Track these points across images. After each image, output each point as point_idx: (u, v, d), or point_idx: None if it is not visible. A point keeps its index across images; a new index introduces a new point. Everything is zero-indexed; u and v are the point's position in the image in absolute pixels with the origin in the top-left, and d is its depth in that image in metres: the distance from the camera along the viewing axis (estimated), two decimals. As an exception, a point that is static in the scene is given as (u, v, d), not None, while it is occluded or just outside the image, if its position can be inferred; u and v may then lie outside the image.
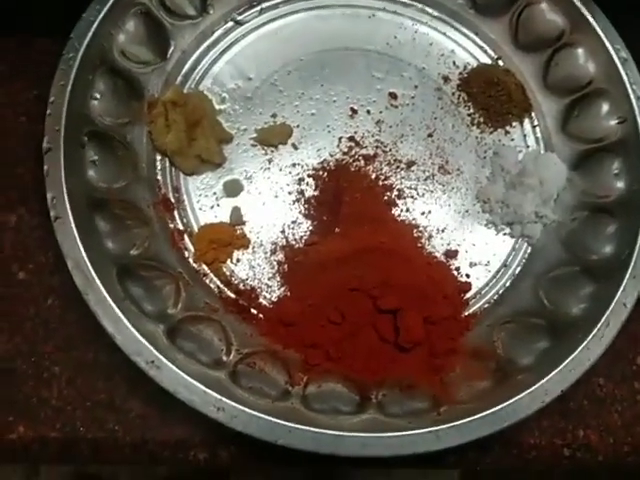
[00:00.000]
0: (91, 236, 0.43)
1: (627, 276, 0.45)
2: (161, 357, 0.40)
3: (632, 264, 0.45)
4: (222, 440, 0.44)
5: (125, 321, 0.40)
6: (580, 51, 0.53)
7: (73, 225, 0.42)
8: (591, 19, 0.51)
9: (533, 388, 0.42)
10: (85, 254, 0.41)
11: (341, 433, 0.39)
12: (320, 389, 0.43)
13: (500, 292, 0.49)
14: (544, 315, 0.47)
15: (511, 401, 0.41)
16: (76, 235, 0.42)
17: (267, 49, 0.54)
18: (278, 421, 0.39)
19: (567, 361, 0.42)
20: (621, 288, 0.45)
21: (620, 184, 0.50)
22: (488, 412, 0.41)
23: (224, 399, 0.39)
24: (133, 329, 0.40)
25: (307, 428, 0.39)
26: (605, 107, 0.51)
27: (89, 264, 0.41)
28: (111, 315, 0.40)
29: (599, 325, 0.44)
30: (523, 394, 0.41)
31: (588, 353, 0.43)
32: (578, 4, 0.52)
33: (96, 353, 0.45)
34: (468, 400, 0.43)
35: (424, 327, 0.45)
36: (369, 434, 0.39)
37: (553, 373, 0.42)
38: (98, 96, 0.47)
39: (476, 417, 0.40)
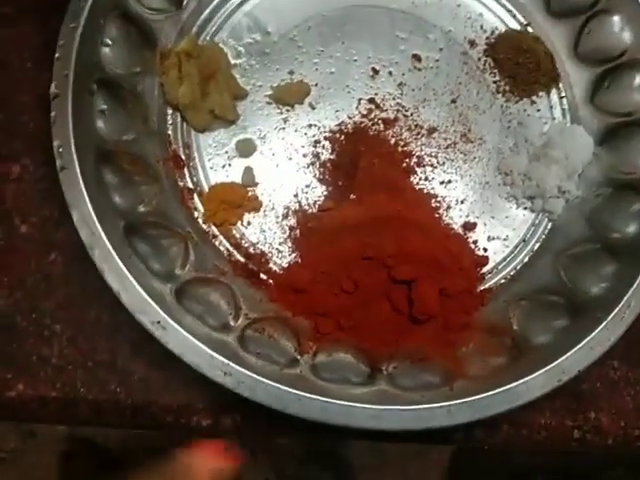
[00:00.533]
0: (98, 189, 0.41)
1: (652, 256, 0.43)
2: (167, 318, 0.38)
3: (658, 244, 0.44)
4: (226, 407, 0.43)
5: (131, 279, 0.39)
6: (616, 19, 0.50)
7: (80, 176, 0.40)
8: (631, -14, 0.49)
9: (549, 367, 0.40)
10: (91, 207, 0.40)
11: (352, 404, 0.38)
12: (330, 358, 0.42)
13: (517, 268, 0.48)
14: (563, 293, 0.45)
15: (526, 379, 0.40)
16: (82, 186, 0.40)
17: (288, 2, 0.51)
18: (287, 389, 0.38)
19: (586, 340, 0.41)
20: (645, 269, 0.43)
21: (648, 161, 0.48)
22: (502, 389, 0.39)
23: (231, 364, 0.38)
24: (139, 287, 0.39)
25: (316, 397, 0.38)
26: (638, 79, 0.49)
27: (95, 218, 0.39)
28: (117, 272, 0.39)
29: (620, 305, 0.42)
30: (539, 372, 0.40)
31: (608, 333, 0.41)
32: (616, -31, 0.49)
33: (99, 312, 0.44)
34: (481, 376, 0.41)
35: (439, 299, 0.44)
36: (381, 406, 0.38)
37: (571, 352, 0.41)
38: (109, 42, 0.45)
39: (489, 394, 0.39)
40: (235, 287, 0.44)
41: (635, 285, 0.43)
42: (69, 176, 0.40)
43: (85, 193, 0.40)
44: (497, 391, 0.39)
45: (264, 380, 0.38)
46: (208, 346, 0.38)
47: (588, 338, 0.41)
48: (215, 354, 0.38)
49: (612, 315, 0.42)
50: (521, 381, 0.40)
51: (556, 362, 0.40)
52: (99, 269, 0.39)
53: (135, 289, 0.39)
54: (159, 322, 0.38)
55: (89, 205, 0.40)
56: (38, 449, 0.97)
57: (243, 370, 0.38)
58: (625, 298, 0.42)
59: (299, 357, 0.41)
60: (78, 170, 0.40)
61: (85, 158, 0.41)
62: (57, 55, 0.42)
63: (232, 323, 0.42)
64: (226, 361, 0.38)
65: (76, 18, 0.43)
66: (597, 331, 0.41)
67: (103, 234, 0.39)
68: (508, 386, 0.39)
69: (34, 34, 0.49)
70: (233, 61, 0.49)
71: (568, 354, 0.41)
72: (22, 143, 0.47)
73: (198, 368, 0.38)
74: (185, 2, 0.49)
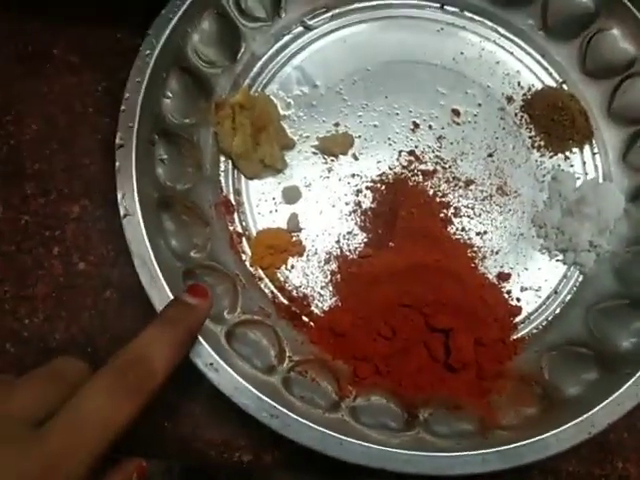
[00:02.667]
0: (158, 235, 0.44)
1: (681, 314, 0.45)
2: (220, 360, 0.41)
3: (686, 302, 0.46)
4: (267, 444, 0.45)
5: (187, 322, 0.41)
6: (649, 82, 0.52)
7: (142, 223, 0.43)
8: (664, 51, 0.51)
9: (579, 419, 0.42)
10: (152, 252, 0.42)
11: (390, 449, 0.40)
12: (369, 403, 0.44)
13: (549, 319, 0.49)
14: (593, 346, 0.47)
15: (557, 430, 0.41)
16: (144, 233, 0.42)
17: (335, 56, 0.54)
18: (330, 432, 0.40)
19: (615, 395, 0.43)
20: (674, 326, 0.45)
21: (678, 220, 0.49)
22: (534, 439, 0.41)
23: (278, 406, 0.40)
24: (194, 331, 0.41)
25: (357, 442, 0.40)
26: (670, 140, 0.51)
27: (155, 263, 0.42)
28: (173, 315, 0.41)
29: (649, 362, 0.44)
30: (569, 424, 0.42)
31: (636, 389, 0.43)
32: (652, 34, 0.52)
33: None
34: (514, 425, 0.43)
35: (474, 348, 0.46)
36: (418, 452, 0.40)
37: (600, 406, 0.42)
38: (170, 95, 0.47)
39: (521, 444, 0.41)
40: (279, 329, 0.46)
41: (664, 341, 0.44)
42: (132, 223, 0.43)
43: (146, 239, 0.42)
44: (529, 441, 0.41)
45: (308, 423, 0.40)
46: (256, 388, 0.40)
47: (617, 393, 0.43)
48: (263, 396, 0.40)
49: (641, 372, 0.43)
50: (552, 432, 0.41)
51: (586, 415, 0.42)
52: (157, 311, 0.41)
53: (190, 332, 0.41)
54: (212, 364, 0.41)
55: (150, 251, 0.42)
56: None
57: (289, 413, 0.40)
58: (654, 354, 0.44)
59: (339, 401, 0.43)
60: (140, 217, 0.43)
61: (147, 205, 0.43)
62: (123, 107, 0.45)
63: (277, 365, 0.44)
64: (273, 403, 0.40)
65: (141, 73, 0.46)
66: (626, 386, 0.43)
67: (162, 278, 0.42)
68: (539, 437, 0.41)
69: (95, 82, 0.53)
70: (282, 112, 0.52)
71: (597, 408, 0.42)
72: (82, 184, 0.50)
73: (247, 409, 0.40)
74: (239, 56, 0.52)
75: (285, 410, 0.40)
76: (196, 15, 0.49)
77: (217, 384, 0.40)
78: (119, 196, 0.43)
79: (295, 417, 0.40)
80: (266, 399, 0.40)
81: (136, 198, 0.43)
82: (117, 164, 0.44)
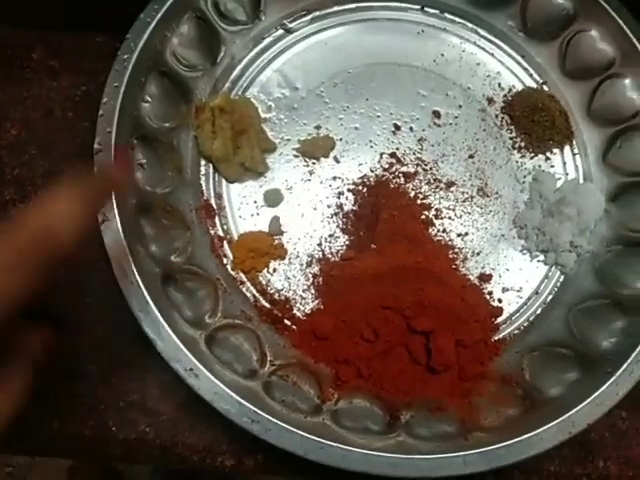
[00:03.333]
0: (137, 240, 0.43)
1: (661, 314, 0.45)
2: (200, 365, 0.41)
3: (666, 301, 0.46)
4: (249, 448, 0.45)
5: (167, 327, 0.41)
6: (628, 82, 0.53)
7: (120, 228, 0.43)
8: (643, 52, 0.51)
9: (560, 419, 0.42)
10: (131, 258, 0.42)
11: (371, 452, 0.40)
12: (351, 406, 0.44)
13: (530, 319, 0.50)
14: (573, 346, 0.47)
15: (538, 431, 0.42)
16: (123, 239, 0.42)
17: (315, 59, 0.54)
18: (310, 437, 0.40)
19: (595, 395, 0.43)
20: (654, 325, 0.45)
21: (658, 219, 0.50)
22: (515, 440, 0.41)
23: (259, 411, 0.40)
24: (174, 336, 0.41)
25: (338, 445, 0.40)
26: (650, 141, 0.51)
27: (134, 269, 0.42)
28: (153, 320, 0.41)
29: (629, 360, 0.44)
30: (550, 425, 0.42)
31: (616, 388, 0.43)
32: (630, 35, 0.52)
33: (131, 355, 0.46)
34: (495, 426, 0.43)
35: (455, 350, 0.46)
36: (400, 455, 0.40)
37: (580, 406, 0.43)
38: (149, 99, 0.47)
39: (503, 445, 0.41)
40: (260, 333, 0.46)
41: (644, 340, 0.45)
42: (110, 228, 0.42)
43: (125, 245, 0.42)
44: (510, 442, 0.41)
45: (289, 428, 0.40)
46: (237, 393, 0.41)
47: (597, 392, 0.43)
48: (243, 401, 0.40)
49: (621, 370, 0.44)
50: (533, 433, 0.42)
51: (566, 415, 0.42)
52: (136, 317, 0.41)
53: (170, 338, 0.41)
54: (192, 369, 0.41)
55: (129, 256, 0.42)
56: (44, 464, 0.99)
57: (269, 417, 0.40)
58: (634, 354, 0.44)
59: (321, 404, 0.43)
60: (119, 222, 0.43)
61: (125, 210, 0.43)
62: (101, 112, 0.45)
63: (258, 369, 0.44)
64: (253, 408, 0.40)
65: (120, 77, 0.45)
66: (606, 385, 0.43)
67: (141, 284, 0.42)
68: (521, 437, 0.41)
69: (75, 86, 0.52)
70: (263, 115, 0.52)
71: (578, 408, 0.43)
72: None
73: (227, 414, 0.40)
74: (219, 59, 0.52)
75: (265, 415, 0.40)
76: (175, 19, 0.49)
77: (197, 389, 0.40)
78: (97, 201, 0.43)
79: (276, 421, 0.40)
80: (246, 404, 0.40)
81: (114, 203, 0.43)
82: (95, 169, 0.44)
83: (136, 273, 0.42)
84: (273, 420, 0.40)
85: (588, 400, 0.43)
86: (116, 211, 0.43)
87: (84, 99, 0.52)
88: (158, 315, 0.41)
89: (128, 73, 0.46)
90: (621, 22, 0.52)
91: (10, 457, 1.00)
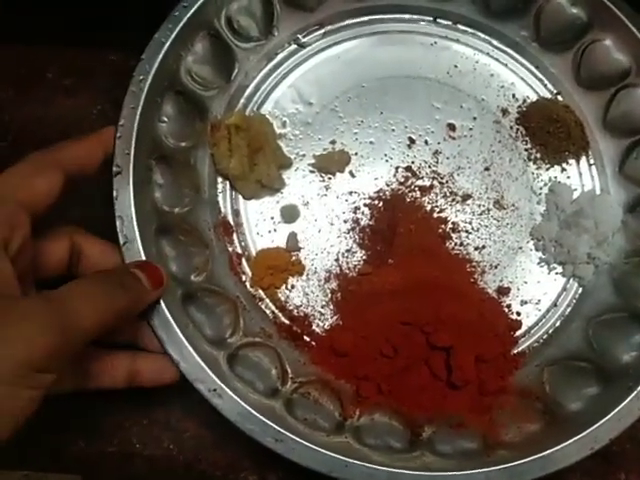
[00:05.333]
0: (158, 261, 0.44)
1: (680, 326, 0.45)
2: (223, 385, 0.41)
3: (685, 313, 0.46)
4: (272, 464, 0.46)
5: (189, 348, 0.41)
6: (644, 93, 0.52)
7: (142, 250, 0.43)
8: (658, 62, 0.51)
9: (582, 435, 0.42)
10: (152, 280, 0.42)
11: (395, 470, 0.40)
12: (372, 422, 0.44)
13: (549, 332, 0.50)
14: (593, 360, 0.47)
15: (560, 446, 0.42)
16: (144, 260, 0.43)
17: (329, 73, 0.54)
18: (334, 455, 0.40)
19: (616, 410, 0.43)
20: (674, 338, 0.45)
21: (676, 230, 0.50)
22: (537, 456, 0.41)
23: (283, 431, 0.40)
24: (197, 356, 0.41)
25: (362, 463, 0.40)
26: (667, 151, 0.51)
27: (157, 291, 0.42)
28: (176, 341, 0.41)
29: (650, 374, 0.44)
30: (572, 440, 0.42)
31: (638, 403, 0.43)
32: (645, 44, 0.52)
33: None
34: (517, 442, 0.43)
35: (475, 365, 0.46)
36: (424, 472, 0.40)
37: (602, 421, 0.43)
38: (166, 119, 0.48)
39: (525, 461, 0.41)
40: (280, 350, 0.46)
41: (665, 353, 0.45)
42: (131, 250, 0.43)
43: (146, 267, 0.42)
44: (532, 458, 0.41)
45: (312, 447, 0.40)
46: (260, 413, 0.41)
47: (618, 408, 0.43)
48: (267, 421, 0.40)
49: (642, 384, 0.44)
50: (555, 449, 0.42)
51: (588, 431, 0.42)
52: (159, 338, 0.41)
53: (193, 358, 0.41)
54: (215, 390, 0.41)
55: (150, 278, 0.42)
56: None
57: (293, 437, 0.40)
58: (655, 367, 0.44)
59: (343, 421, 0.44)
60: (140, 244, 0.43)
61: (145, 231, 0.44)
62: (118, 134, 0.45)
63: (280, 387, 0.44)
64: (278, 428, 0.40)
65: (136, 99, 0.45)
66: (627, 401, 0.43)
67: (163, 305, 0.42)
68: (543, 453, 0.41)
69: (91, 105, 0.53)
70: (278, 131, 0.52)
71: (599, 423, 0.42)
72: (79, 211, 0.50)
73: (252, 434, 0.40)
74: (233, 76, 0.52)
75: (289, 434, 0.40)
76: (189, 38, 0.49)
77: (221, 410, 0.41)
78: (118, 223, 0.43)
79: (299, 440, 0.40)
80: (270, 424, 0.41)
81: (135, 225, 0.43)
82: (115, 191, 0.44)
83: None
84: (297, 439, 0.40)
85: (610, 415, 0.43)
86: (137, 232, 0.43)
87: (100, 118, 0.52)
88: (181, 335, 0.42)
89: (144, 94, 0.46)
90: (636, 31, 0.52)
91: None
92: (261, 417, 0.41)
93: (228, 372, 0.42)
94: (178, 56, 0.48)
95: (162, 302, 0.42)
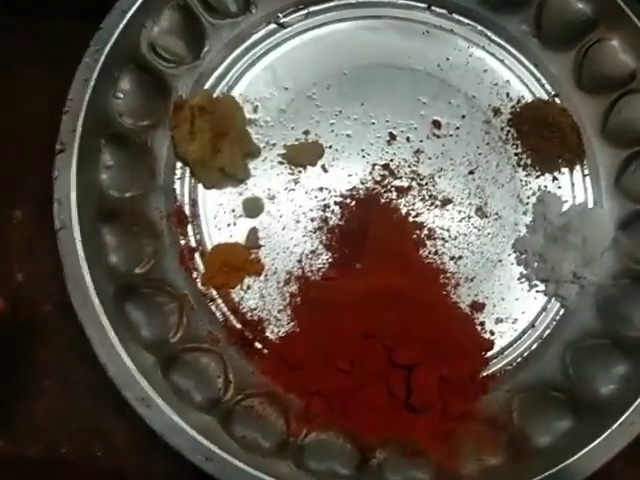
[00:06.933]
0: (96, 252, 0.40)
1: (667, 361, 0.41)
2: (152, 395, 0.38)
3: (673, 347, 0.42)
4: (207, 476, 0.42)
5: (120, 351, 0.38)
6: (648, 100, 0.48)
7: (78, 238, 0.39)
8: (668, 66, 0.47)
9: (547, 474, 0.38)
10: (87, 273, 0.39)
11: (335, 499, 0.37)
12: (319, 443, 0.41)
13: (524, 355, 0.46)
14: (568, 390, 0.43)
15: (520, 486, 0.38)
16: (80, 250, 0.39)
17: (308, 58, 0.50)
18: (269, 479, 0.37)
19: (588, 448, 0.39)
20: (658, 374, 0.41)
21: (672, 254, 0.45)
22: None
23: (214, 448, 0.37)
24: (128, 361, 0.38)
25: (300, 490, 0.37)
26: (667, 167, 0.47)
27: (89, 282, 0.39)
28: (106, 343, 0.38)
29: (628, 413, 0.40)
30: (535, 480, 0.38)
31: (613, 442, 0.40)
32: (654, 47, 0.47)
33: (88, 371, 0.43)
34: (474, 477, 0.40)
35: (438, 386, 0.42)
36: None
37: (571, 460, 0.39)
38: (121, 95, 0.44)
39: (481, 499, 0.38)
40: (227, 357, 0.42)
41: (646, 391, 0.41)
42: (67, 238, 0.39)
43: (82, 257, 0.39)
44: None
45: (246, 469, 0.37)
46: (192, 427, 0.37)
47: (590, 446, 0.39)
48: (198, 436, 0.37)
49: (618, 423, 0.40)
50: (515, 489, 0.38)
51: (553, 470, 0.39)
52: (88, 338, 0.38)
53: (123, 363, 0.38)
54: (143, 399, 0.37)
55: (85, 270, 0.39)
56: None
57: (226, 456, 0.37)
58: (635, 404, 0.40)
59: (287, 440, 0.40)
60: (76, 231, 0.39)
61: (85, 217, 0.40)
62: (66, 109, 0.41)
63: (220, 398, 0.40)
64: (209, 445, 0.37)
65: (89, 71, 0.42)
66: (600, 439, 0.39)
67: (96, 301, 0.38)
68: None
69: (50, 78, 0.48)
70: (248, 116, 0.48)
71: (567, 462, 0.39)
72: (26, 189, 0.46)
73: (180, 450, 0.37)
74: (202, 54, 0.48)
75: (221, 453, 0.37)
76: (155, 8, 0.45)
77: (148, 421, 0.37)
78: (55, 207, 0.40)
79: (232, 461, 0.37)
80: (201, 439, 0.37)
81: (73, 209, 0.40)
82: (55, 172, 0.40)
83: (91, 288, 0.39)
84: (229, 459, 0.37)
85: (579, 455, 0.39)
86: (75, 218, 0.39)
87: (59, 93, 0.48)
88: (112, 336, 0.38)
89: (99, 67, 0.42)
90: (646, 32, 0.47)
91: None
92: (192, 432, 0.37)
93: (162, 379, 0.39)
94: (141, 28, 0.44)
95: (95, 298, 0.38)
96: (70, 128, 0.41)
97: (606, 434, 0.40)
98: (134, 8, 0.44)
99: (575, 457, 0.39)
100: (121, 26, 0.43)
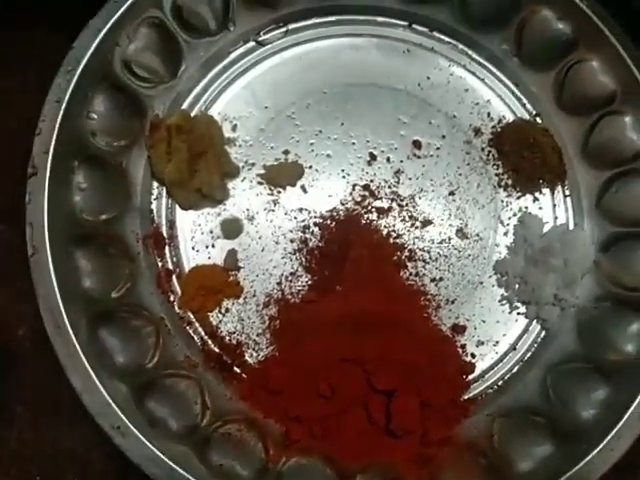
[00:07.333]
0: (70, 276, 0.39)
1: (646, 385, 0.41)
2: (128, 423, 0.37)
3: (654, 371, 0.42)
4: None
5: (95, 379, 0.37)
6: (629, 120, 0.48)
7: (51, 263, 0.38)
8: (647, 89, 0.47)
9: (526, 501, 0.38)
10: (60, 297, 0.38)
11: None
12: (299, 470, 0.40)
13: (505, 378, 0.45)
14: (548, 414, 0.43)
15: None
16: (53, 276, 0.38)
17: (288, 76, 0.49)
18: (246, 511, 0.36)
19: (568, 474, 0.39)
20: (638, 398, 0.41)
21: (652, 277, 0.45)
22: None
23: (192, 479, 0.36)
24: (102, 389, 0.37)
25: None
26: (648, 188, 0.47)
27: (63, 312, 0.38)
28: (80, 370, 0.37)
29: (608, 438, 0.40)
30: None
31: (593, 468, 0.39)
32: (633, 68, 0.47)
33: (63, 395, 0.42)
34: (455, 505, 0.39)
35: (419, 411, 0.42)
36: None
37: (551, 487, 0.39)
38: (95, 116, 0.43)
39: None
40: (204, 383, 0.42)
41: (627, 415, 0.41)
42: (39, 263, 0.38)
43: (55, 283, 0.38)
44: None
45: (224, 499, 0.36)
46: (168, 456, 0.37)
47: (571, 472, 0.39)
48: (175, 466, 0.36)
49: (598, 449, 0.40)
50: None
51: (534, 497, 0.38)
52: (62, 365, 0.37)
53: (98, 391, 0.37)
54: (119, 427, 0.36)
55: (58, 296, 0.38)
56: None
57: (202, 486, 0.36)
58: (615, 429, 0.40)
59: (265, 467, 0.39)
60: (49, 257, 0.38)
61: (58, 242, 0.39)
62: (38, 131, 0.40)
63: (197, 425, 0.40)
64: (186, 475, 0.36)
65: (62, 92, 0.41)
66: (580, 465, 0.39)
67: (69, 327, 0.37)
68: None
69: (26, 90, 0.48)
70: (227, 135, 0.47)
71: (548, 489, 0.38)
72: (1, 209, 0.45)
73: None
74: (180, 72, 0.47)
75: (198, 483, 0.36)
76: (130, 27, 0.44)
77: (124, 450, 0.36)
78: (27, 232, 0.39)
79: (209, 492, 0.36)
80: (179, 469, 0.36)
81: (46, 234, 0.39)
82: (27, 195, 0.39)
83: (64, 314, 0.38)
84: (206, 490, 0.36)
85: (560, 480, 0.39)
86: (47, 243, 0.38)
87: (34, 106, 0.47)
88: (86, 364, 0.37)
89: (72, 87, 0.41)
90: (624, 53, 0.47)
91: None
92: (168, 461, 0.36)
93: (137, 407, 0.38)
94: (114, 47, 0.43)
95: (69, 325, 0.37)
96: (42, 150, 0.40)
97: (587, 459, 0.39)
98: (108, 27, 0.43)
99: (555, 484, 0.39)
100: (94, 45, 0.42)
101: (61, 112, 0.40)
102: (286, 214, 0.47)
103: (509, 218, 0.48)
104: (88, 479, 0.41)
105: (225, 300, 0.45)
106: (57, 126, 0.40)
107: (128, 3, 0.43)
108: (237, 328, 0.44)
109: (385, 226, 0.47)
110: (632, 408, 0.41)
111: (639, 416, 0.41)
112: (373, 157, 0.48)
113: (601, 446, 0.40)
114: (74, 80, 0.41)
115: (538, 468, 0.40)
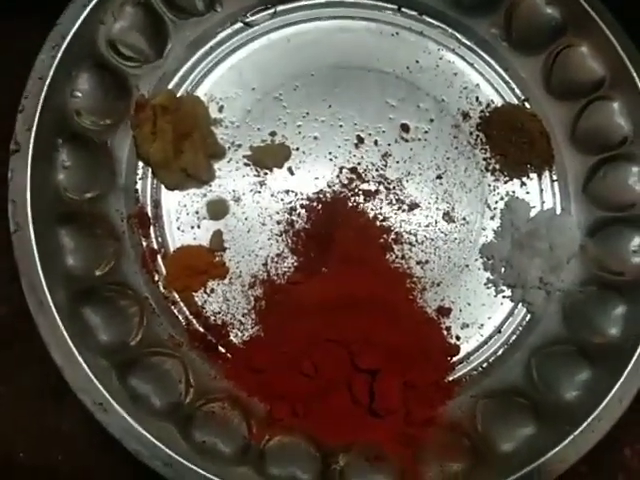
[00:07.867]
0: (52, 254, 0.39)
1: (629, 369, 0.42)
2: (110, 399, 0.37)
3: (637, 354, 0.42)
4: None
5: (77, 355, 0.37)
6: (617, 106, 0.48)
7: (33, 240, 0.38)
8: (635, 74, 0.46)
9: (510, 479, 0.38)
10: (43, 274, 0.38)
11: (294, 509, 0.36)
12: (281, 448, 0.40)
13: (490, 360, 0.46)
14: (532, 396, 0.43)
15: (482, 494, 0.38)
16: (35, 252, 0.38)
17: (276, 58, 0.49)
18: (228, 486, 0.36)
19: (549, 455, 0.39)
20: (619, 382, 0.41)
21: (638, 261, 0.45)
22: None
23: (173, 455, 0.36)
24: (85, 365, 0.37)
25: (259, 499, 0.36)
26: (636, 173, 0.47)
27: (45, 287, 0.38)
28: (63, 346, 0.37)
29: (590, 419, 0.40)
30: (497, 486, 0.38)
31: (574, 448, 0.40)
32: (622, 53, 0.47)
33: (48, 373, 0.41)
34: (437, 484, 0.39)
35: (402, 391, 0.42)
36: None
37: (532, 466, 0.39)
38: (79, 94, 0.42)
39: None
40: (188, 361, 0.42)
41: (607, 399, 0.41)
42: (22, 240, 0.38)
43: (37, 260, 0.38)
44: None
45: (206, 474, 0.36)
46: (150, 433, 0.36)
47: (552, 453, 0.39)
48: (157, 442, 0.36)
49: (580, 430, 0.40)
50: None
51: (517, 475, 0.38)
52: (44, 342, 0.37)
53: (80, 367, 0.37)
54: (101, 404, 0.36)
55: (40, 273, 0.38)
56: None
57: (185, 463, 0.36)
58: (597, 411, 0.40)
59: (248, 445, 0.39)
60: (32, 233, 0.38)
61: (41, 219, 0.39)
62: (21, 107, 0.40)
63: (181, 403, 0.40)
64: (168, 451, 0.36)
65: (46, 68, 0.41)
66: (562, 445, 0.39)
67: (52, 304, 0.37)
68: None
69: (13, 68, 0.47)
70: (213, 116, 0.47)
71: (529, 467, 0.39)
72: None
73: (139, 456, 0.36)
74: (166, 52, 0.47)
75: (180, 459, 0.36)
76: (115, 5, 0.43)
77: (106, 426, 0.36)
78: (10, 208, 0.38)
79: (191, 466, 0.36)
80: (160, 445, 0.36)
81: (29, 211, 0.38)
82: (10, 172, 0.39)
83: (47, 291, 0.38)
84: (188, 465, 0.36)
85: (541, 460, 0.39)
86: (30, 220, 0.38)
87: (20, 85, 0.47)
88: (68, 340, 0.37)
89: (56, 64, 0.41)
90: (613, 38, 0.47)
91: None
92: (150, 437, 0.36)
93: (120, 384, 0.38)
94: (100, 24, 0.43)
95: (51, 301, 0.37)
96: (25, 127, 0.39)
97: (568, 440, 0.39)
98: (93, 3, 0.42)
99: (538, 462, 0.39)
100: (79, 22, 0.42)
101: (44, 89, 0.40)
102: (272, 196, 0.47)
103: (496, 202, 0.49)
104: (73, 455, 0.41)
105: (210, 280, 0.44)
106: (40, 103, 0.40)
107: (113, -21, 0.43)
108: (222, 308, 0.44)
109: (372, 209, 0.47)
110: (613, 391, 0.41)
111: (620, 399, 0.41)
112: (360, 140, 0.48)
113: (582, 427, 0.40)
114: (58, 57, 0.41)
115: (521, 448, 0.41)
